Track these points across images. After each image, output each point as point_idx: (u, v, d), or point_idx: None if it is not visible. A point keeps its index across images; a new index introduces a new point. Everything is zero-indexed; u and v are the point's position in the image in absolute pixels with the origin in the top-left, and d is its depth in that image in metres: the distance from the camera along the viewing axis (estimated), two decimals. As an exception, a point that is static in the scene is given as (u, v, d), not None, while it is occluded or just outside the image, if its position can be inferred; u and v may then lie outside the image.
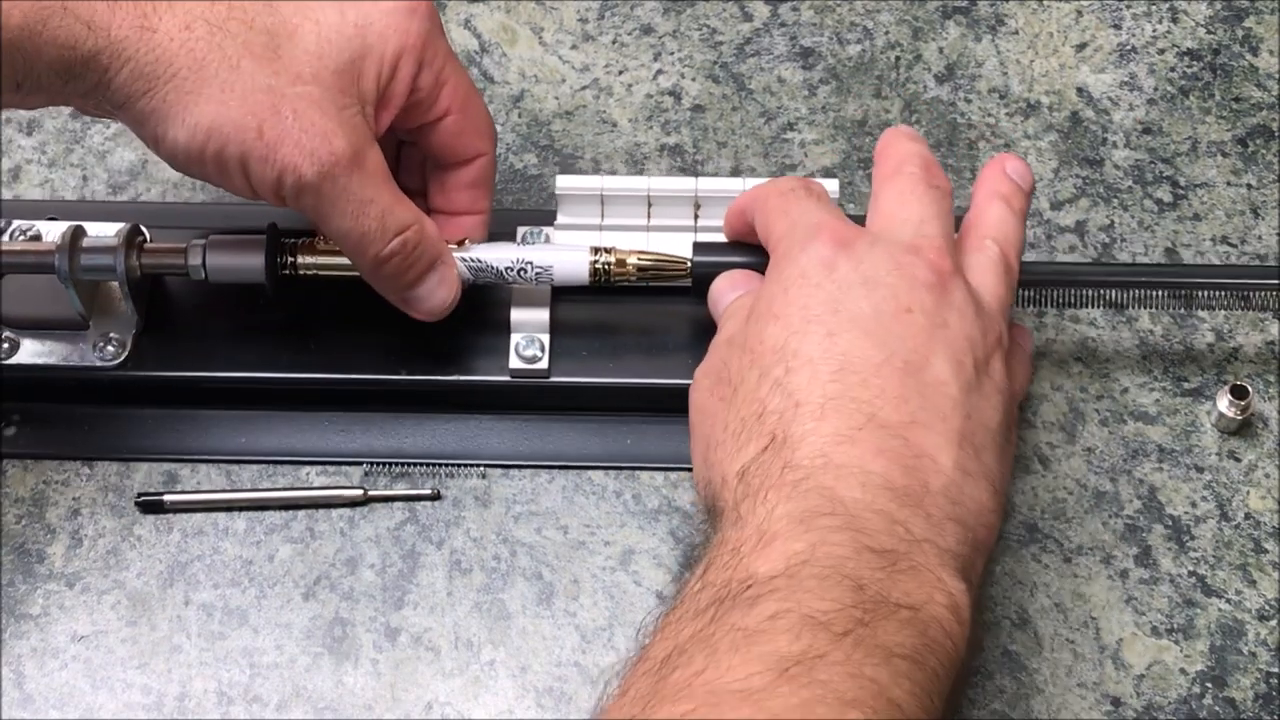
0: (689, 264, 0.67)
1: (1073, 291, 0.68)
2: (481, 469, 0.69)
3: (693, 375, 0.63)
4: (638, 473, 0.70)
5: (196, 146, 0.60)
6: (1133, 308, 0.69)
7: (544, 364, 0.68)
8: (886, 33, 0.81)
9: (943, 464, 0.55)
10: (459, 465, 0.69)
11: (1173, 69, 0.80)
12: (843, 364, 0.56)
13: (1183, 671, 0.65)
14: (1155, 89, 0.79)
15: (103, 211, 0.73)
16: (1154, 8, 0.81)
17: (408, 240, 0.63)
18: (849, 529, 0.53)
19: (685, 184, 0.69)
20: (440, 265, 0.65)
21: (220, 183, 0.61)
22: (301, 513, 0.69)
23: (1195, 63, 0.80)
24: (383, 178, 0.62)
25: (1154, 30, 0.81)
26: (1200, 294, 0.68)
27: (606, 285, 0.67)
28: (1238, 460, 0.70)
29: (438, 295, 0.65)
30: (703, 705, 0.48)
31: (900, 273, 0.58)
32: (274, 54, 0.60)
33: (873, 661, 0.50)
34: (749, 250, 0.66)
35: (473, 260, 0.66)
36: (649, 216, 0.70)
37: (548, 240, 0.70)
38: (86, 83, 0.59)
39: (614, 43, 0.80)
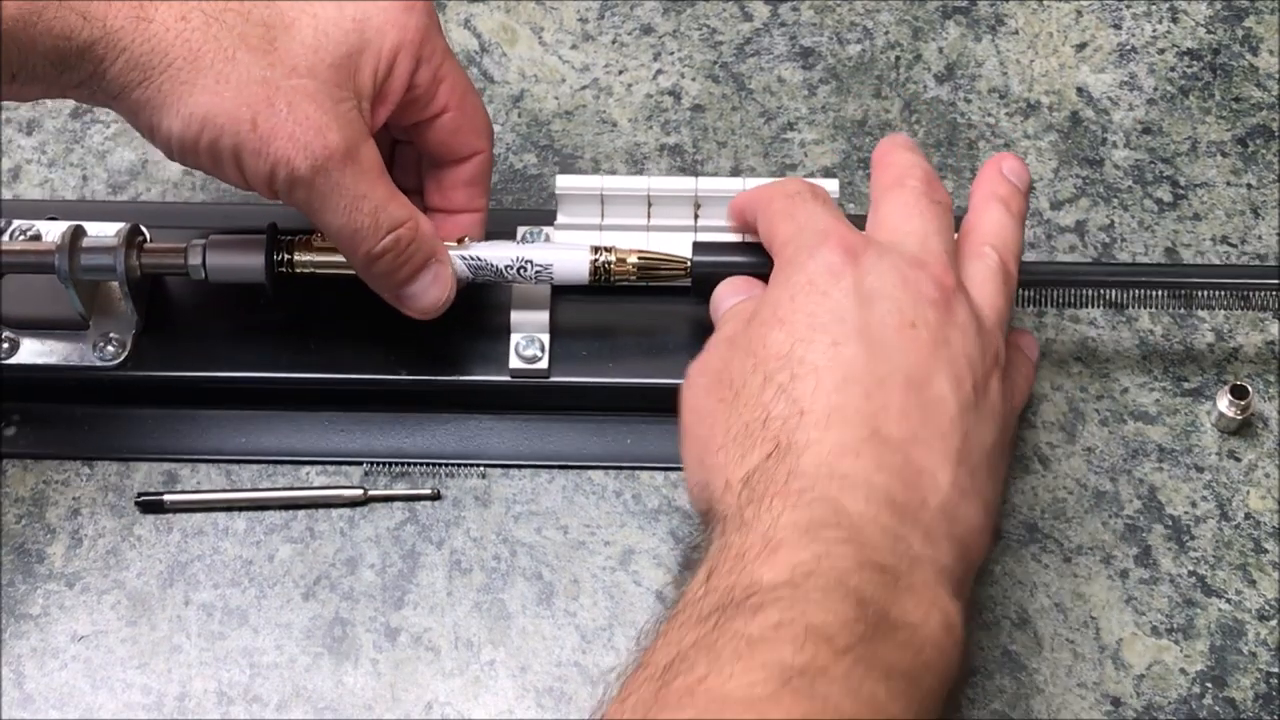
0: (689, 263, 0.67)
1: (1073, 291, 0.68)
2: (481, 469, 0.69)
3: None
4: (638, 473, 0.70)
5: (190, 137, 0.59)
6: (1133, 308, 0.69)
7: (544, 364, 0.68)
8: (886, 33, 0.81)
9: (941, 482, 0.55)
10: (459, 465, 0.69)
11: (1173, 69, 0.80)
12: (847, 375, 0.56)
13: (1183, 671, 0.65)
14: (1155, 89, 0.79)
15: (102, 211, 0.73)
16: (1154, 8, 0.81)
17: (401, 237, 0.63)
18: (853, 542, 0.53)
19: (685, 184, 0.69)
20: (434, 263, 0.64)
21: (214, 173, 0.61)
22: (301, 513, 0.69)
23: (1195, 63, 0.80)
24: (377, 173, 0.62)
25: (1154, 30, 0.81)
26: (1200, 294, 0.68)
27: (606, 284, 0.67)
28: (1238, 460, 0.70)
29: (431, 293, 0.65)
30: (705, 713, 0.48)
31: (906, 287, 0.58)
32: (270, 46, 0.59)
33: (872, 679, 0.50)
34: (749, 250, 0.66)
35: (472, 258, 0.66)
36: (649, 216, 0.70)
37: (547, 240, 0.70)
38: (82, 73, 0.59)
39: (614, 43, 0.80)
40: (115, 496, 0.69)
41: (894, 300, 0.57)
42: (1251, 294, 0.68)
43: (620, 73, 0.80)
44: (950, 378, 0.57)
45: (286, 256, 0.67)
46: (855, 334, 0.57)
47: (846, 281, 0.58)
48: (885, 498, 0.54)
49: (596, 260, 0.66)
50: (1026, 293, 0.68)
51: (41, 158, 0.77)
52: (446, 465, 0.69)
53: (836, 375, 0.56)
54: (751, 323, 0.59)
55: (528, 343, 0.68)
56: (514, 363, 0.68)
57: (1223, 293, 0.68)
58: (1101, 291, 0.68)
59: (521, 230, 0.70)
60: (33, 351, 0.69)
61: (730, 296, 0.64)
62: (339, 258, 0.65)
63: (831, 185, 0.66)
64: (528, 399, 0.70)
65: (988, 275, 0.61)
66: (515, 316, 0.68)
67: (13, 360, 0.69)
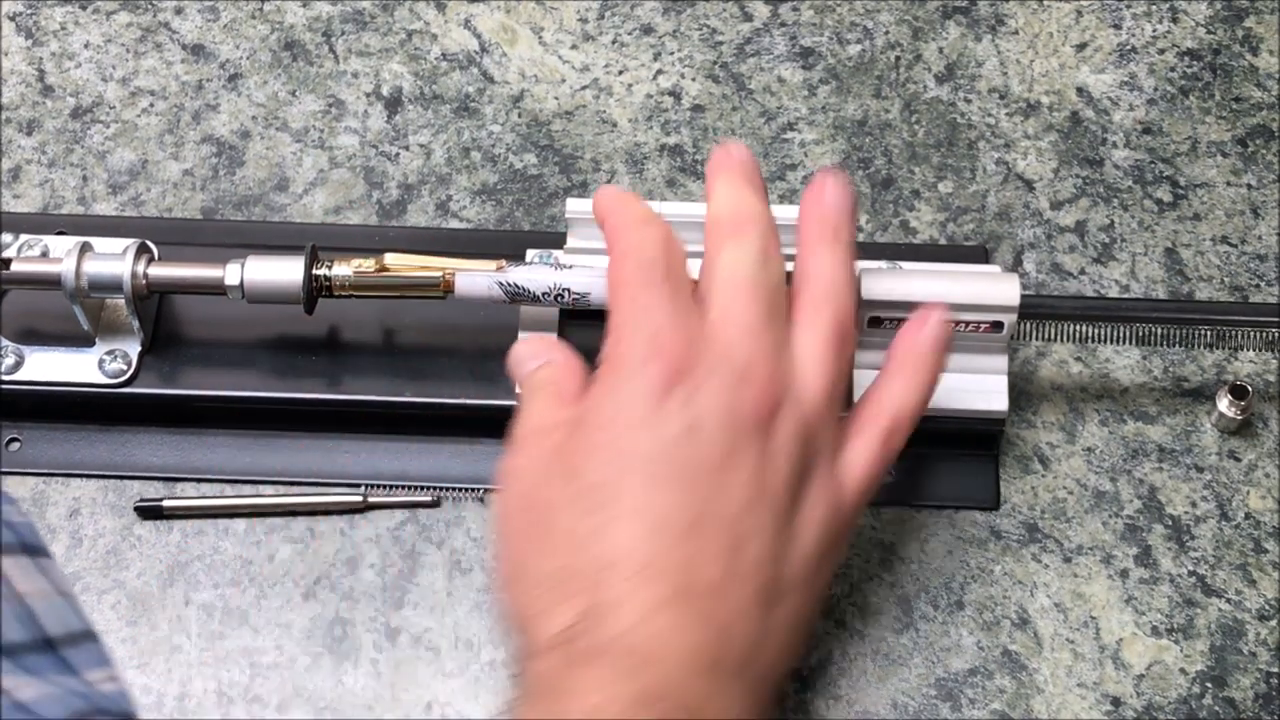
0: None
1: (1072, 327, 0.68)
2: (482, 493, 0.69)
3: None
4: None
5: None
6: (1132, 344, 0.69)
7: None
8: (886, 33, 0.81)
9: (744, 628, 0.55)
10: (464, 489, 0.69)
11: (1173, 69, 0.80)
12: (658, 520, 0.55)
13: (1183, 671, 0.65)
14: (1155, 89, 0.79)
15: (111, 226, 0.73)
16: (1154, 8, 0.81)
17: None
18: (676, 716, 0.52)
19: (696, 209, 0.68)
20: None
21: None
22: (301, 514, 0.69)
23: (1195, 63, 0.80)
24: None
25: (1154, 30, 0.81)
26: (1202, 331, 0.67)
27: None
28: (1238, 460, 0.70)
29: None
30: None
31: (728, 414, 0.56)
32: None
33: None
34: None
35: (510, 284, 0.65)
36: None
37: (557, 263, 0.69)
38: None
39: (614, 43, 0.80)
40: (115, 497, 0.69)
41: (713, 434, 0.56)
42: (1253, 333, 0.67)
43: (620, 73, 0.80)
44: (763, 511, 0.56)
45: (325, 275, 0.66)
46: (669, 475, 0.56)
47: (667, 410, 0.56)
48: (695, 659, 0.53)
49: None
50: (1025, 326, 0.67)
51: (41, 158, 0.77)
52: (451, 489, 0.69)
53: (650, 521, 0.55)
54: (572, 438, 0.58)
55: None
56: None
57: (1228, 330, 0.67)
58: (1102, 328, 0.68)
59: (531, 254, 0.69)
60: (38, 367, 0.69)
61: (531, 359, 0.62)
62: (378, 281, 0.66)
63: None
64: None
65: (820, 343, 0.59)
66: (523, 339, 0.68)
67: (17, 376, 0.69)
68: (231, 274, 0.66)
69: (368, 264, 0.66)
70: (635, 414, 0.56)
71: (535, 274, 0.66)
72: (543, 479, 0.58)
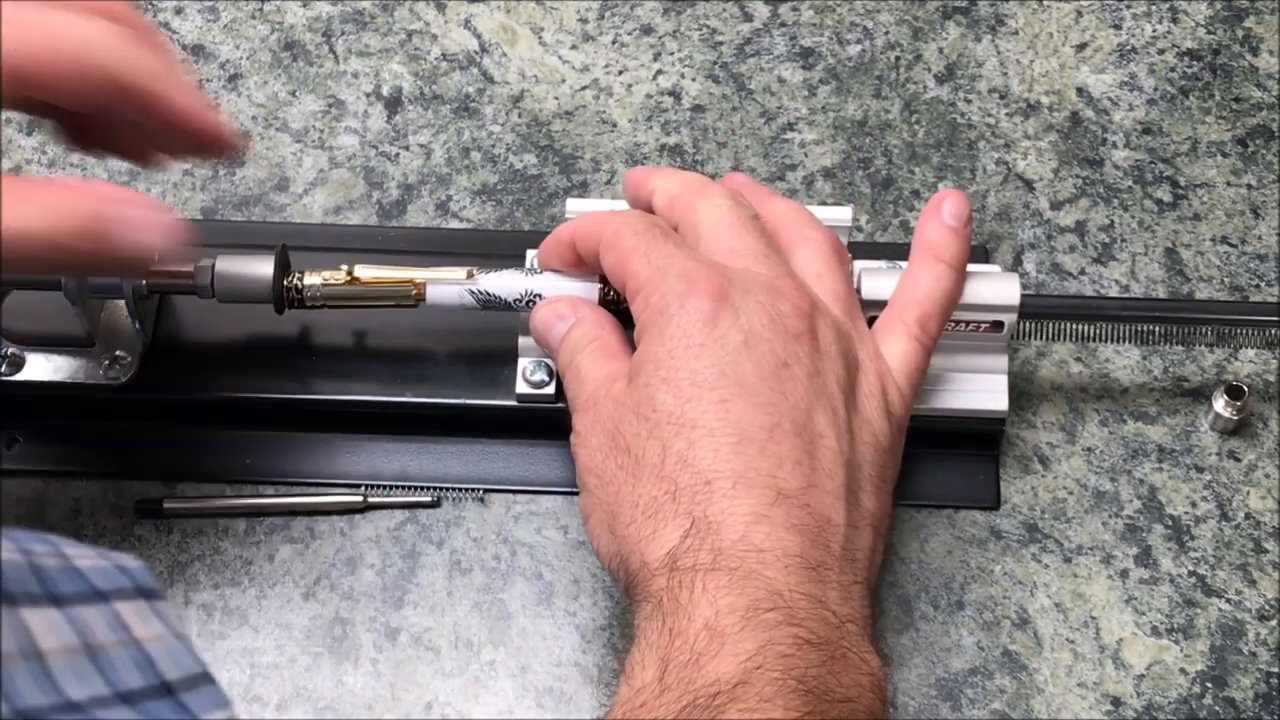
0: None
1: (1072, 326, 0.68)
2: (481, 493, 0.69)
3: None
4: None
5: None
6: (1132, 344, 0.69)
7: (551, 389, 0.68)
8: (886, 33, 0.81)
9: (837, 524, 0.56)
10: (464, 489, 0.69)
11: (1173, 69, 0.80)
12: (740, 434, 0.56)
13: (1183, 671, 0.65)
14: (1155, 89, 0.79)
15: None
16: (1154, 8, 0.81)
17: None
18: (788, 624, 0.53)
19: None
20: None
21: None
22: (301, 513, 0.69)
23: (1195, 63, 0.80)
24: None
25: (1154, 30, 0.81)
26: (1202, 331, 0.67)
27: (617, 313, 0.66)
28: (1238, 460, 0.70)
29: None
30: None
31: (775, 325, 0.58)
32: None
33: None
34: None
35: (481, 292, 0.66)
36: None
37: (532, 268, 0.69)
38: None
39: (614, 43, 0.80)
40: (115, 496, 0.69)
41: (766, 343, 0.58)
42: (1253, 331, 0.67)
43: (620, 73, 0.80)
44: (826, 410, 0.57)
45: (296, 286, 0.66)
46: (739, 388, 0.57)
47: (720, 329, 0.58)
48: (801, 562, 0.54)
49: (607, 292, 0.65)
50: (1025, 326, 0.67)
51: (41, 158, 0.77)
52: (450, 490, 0.69)
53: (731, 436, 0.56)
54: (635, 381, 0.59)
55: (535, 367, 0.68)
56: (521, 387, 0.68)
57: (1229, 329, 0.67)
58: (1101, 328, 0.68)
59: (531, 254, 0.69)
60: (38, 368, 0.69)
61: (559, 320, 0.63)
62: (350, 291, 0.66)
63: (844, 215, 0.66)
64: (534, 424, 0.69)
65: (820, 258, 0.62)
66: (523, 341, 0.67)
67: (18, 377, 0.69)
68: (202, 274, 0.66)
69: (337, 275, 0.66)
70: (692, 342, 0.58)
71: (506, 281, 0.66)
72: (618, 424, 0.59)
